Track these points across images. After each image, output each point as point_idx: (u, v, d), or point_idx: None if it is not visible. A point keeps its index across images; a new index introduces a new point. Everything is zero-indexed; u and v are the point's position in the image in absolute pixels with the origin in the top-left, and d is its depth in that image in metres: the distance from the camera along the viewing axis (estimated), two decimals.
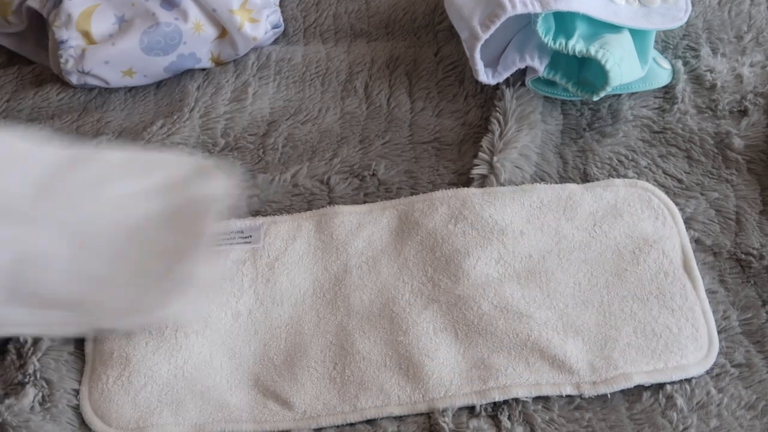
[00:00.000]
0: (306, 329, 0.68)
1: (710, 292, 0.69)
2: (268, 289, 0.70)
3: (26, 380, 0.66)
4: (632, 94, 0.82)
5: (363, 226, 0.73)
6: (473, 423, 0.63)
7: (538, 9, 0.75)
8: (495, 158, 0.76)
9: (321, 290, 0.70)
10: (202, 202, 0.69)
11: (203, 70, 0.87)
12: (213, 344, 0.67)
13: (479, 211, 0.72)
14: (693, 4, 0.86)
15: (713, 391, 0.64)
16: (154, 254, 0.68)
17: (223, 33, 0.85)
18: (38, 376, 0.66)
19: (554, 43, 0.76)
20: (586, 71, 0.79)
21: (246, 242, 0.72)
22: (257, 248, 0.72)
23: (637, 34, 0.80)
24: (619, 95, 0.82)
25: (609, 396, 0.64)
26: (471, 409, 0.64)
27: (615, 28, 0.78)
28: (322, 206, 0.75)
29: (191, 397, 0.65)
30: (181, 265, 0.66)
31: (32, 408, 0.64)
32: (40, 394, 0.65)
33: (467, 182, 0.76)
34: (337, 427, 0.64)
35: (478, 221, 0.72)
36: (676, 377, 0.64)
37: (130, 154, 0.75)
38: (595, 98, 0.78)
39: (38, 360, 0.66)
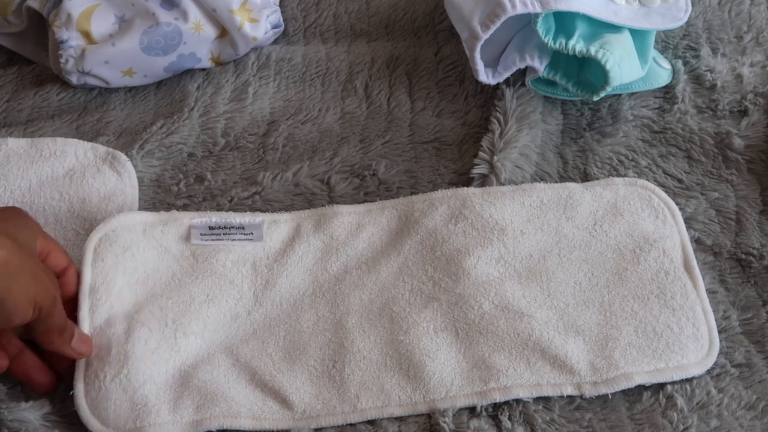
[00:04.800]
0: (305, 328, 0.68)
1: (710, 292, 0.69)
2: (268, 291, 0.69)
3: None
4: (632, 94, 0.82)
5: (363, 227, 0.72)
6: (474, 423, 0.63)
7: (538, 9, 0.75)
8: (495, 158, 0.76)
9: (320, 290, 0.70)
10: None
11: (203, 70, 0.86)
12: (211, 345, 0.67)
13: (479, 211, 0.72)
14: (693, 4, 0.86)
15: (713, 391, 0.64)
16: None
17: (223, 33, 0.85)
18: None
19: (554, 43, 0.76)
20: (586, 71, 0.79)
21: (248, 239, 0.71)
22: (258, 247, 0.71)
23: (637, 34, 0.80)
24: (619, 95, 0.82)
25: (609, 396, 0.64)
26: (472, 409, 0.64)
27: (615, 28, 0.78)
28: (323, 206, 0.75)
29: (188, 394, 0.64)
30: None
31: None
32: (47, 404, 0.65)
33: (467, 182, 0.76)
34: (338, 426, 0.64)
35: (478, 221, 0.72)
36: (677, 377, 0.64)
37: None
38: (596, 98, 0.78)
39: None
